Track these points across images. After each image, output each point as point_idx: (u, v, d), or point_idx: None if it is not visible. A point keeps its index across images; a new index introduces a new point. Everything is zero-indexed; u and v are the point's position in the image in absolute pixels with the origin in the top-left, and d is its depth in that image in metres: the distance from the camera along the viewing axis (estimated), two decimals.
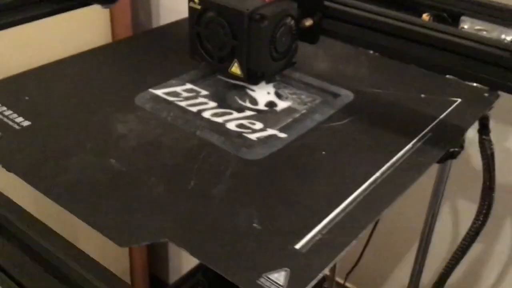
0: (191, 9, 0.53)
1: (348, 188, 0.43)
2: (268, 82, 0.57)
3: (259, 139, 0.49)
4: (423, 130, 0.52)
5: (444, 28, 0.55)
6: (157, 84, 0.57)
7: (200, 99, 0.55)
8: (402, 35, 0.52)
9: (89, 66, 0.60)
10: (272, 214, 0.40)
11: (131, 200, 0.41)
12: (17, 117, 0.49)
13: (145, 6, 1.23)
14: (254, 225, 0.39)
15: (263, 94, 0.57)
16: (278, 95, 0.56)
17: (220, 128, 0.50)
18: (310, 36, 0.55)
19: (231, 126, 0.51)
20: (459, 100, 0.58)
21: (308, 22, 0.54)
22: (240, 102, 0.55)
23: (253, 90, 0.57)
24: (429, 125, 0.53)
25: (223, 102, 0.54)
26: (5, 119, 0.49)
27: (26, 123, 0.49)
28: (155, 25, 1.13)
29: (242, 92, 0.57)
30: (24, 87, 0.55)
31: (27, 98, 0.53)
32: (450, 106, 0.56)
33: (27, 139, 0.47)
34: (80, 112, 0.51)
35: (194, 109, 0.53)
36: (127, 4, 1.19)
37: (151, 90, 0.56)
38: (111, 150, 0.46)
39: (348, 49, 0.69)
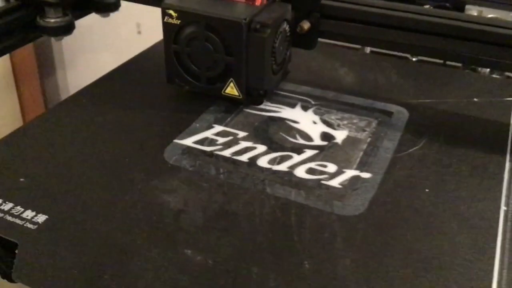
0: (167, 26, 0.44)
1: (487, 231, 0.35)
2: (268, 99, 0.49)
3: (344, 185, 0.40)
4: (507, 140, 0.45)
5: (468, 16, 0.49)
6: (179, 131, 0.45)
7: (243, 143, 0.44)
8: (419, 28, 0.46)
9: (79, 122, 0.46)
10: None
11: None
12: (24, 211, 0.36)
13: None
14: None
15: (309, 124, 0.47)
16: (327, 124, 0.47)
17: (290, 179, 0.40)
18: (306, 40, 0.48)
19: (301, 173, 0.41)
20: None
21: (307, 25, 0.47)
22: (291, 139, 0.45)
23: (295, 122, 0.47)
24: (508, 132, 0.46)
25: (272, 143, 0.44)
26: (9, 217, 0.35)
27: (42, 217, 0.35)
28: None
29: (284, 126, 0.47)
30: (8, 164, 0.41)
31: (22, 179, 0.39)
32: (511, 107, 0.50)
33: (53, 241, 0.33)
34: (104, 187, 0.38)
35: (244, 158, 0.42)
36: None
37: (177, 141, 0.44)
38: (177, 236, 0.34)
39: (354, 54, 0.61)
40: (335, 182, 0.40)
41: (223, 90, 0.46)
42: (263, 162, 0.42)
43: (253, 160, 0.42)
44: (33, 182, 0.38)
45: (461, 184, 0.40)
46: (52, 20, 0.55)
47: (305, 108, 0.49)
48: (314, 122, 0.47)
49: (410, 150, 0.44)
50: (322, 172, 0.41)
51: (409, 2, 0.67)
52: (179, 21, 0.44)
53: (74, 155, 0.42)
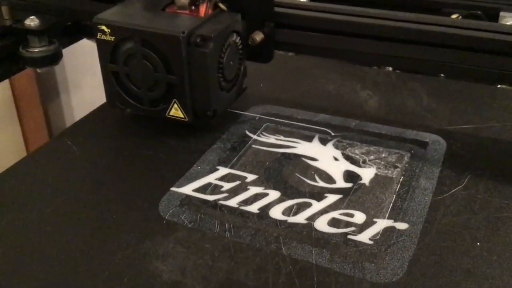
0: (100, 43, 0.39)
1: None
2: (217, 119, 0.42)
3: (375, 240, 0.32)
4: None
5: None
6: (178, 176, 0.38)
7: (252, 189, 0.37)
8: (389, 36, 0.40)
9: (61, 169, 0.40)
10: None
11: None
12: None
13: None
14: None
15: (330, 162, 0.40)
16: (351, 160, 0.40)
17: (309, 234, 0.33)
18: (261, 53, 0.43)
19: (322, 226, 0.34)
20: None
21: (259, 37, 0.41)
22: (309, 182, 0.38)
23: (314, 159, 0.40)
24: None
25: (287, 188, 0.37)
26: None
27: None
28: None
29: (300, 165, 0.40)
30: None
31: None
32: None
33: None
34: (86, 253, 0.32)
35: (254, 208, 0.35)
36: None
37: (174, 189, 0.37)
38: None
39: (376, 74, 0.54)
40: (364, 237, 0.33)
41: (167, 112, 0.41)
42: (276, 212, 0.35)
43: (264, 210, 0.35)
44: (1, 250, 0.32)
45: None
46: (36, 50, 0.50)
47: (324, 142, 0.42)
48: (336, 159, 0.40)
49: (453, 191, 0.36)
50: (348, 224, 0.34)
51: (434, 12, 0.60)
52: (113, 37, 0.39)
53: (51, 210, 0.35)
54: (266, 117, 0.46)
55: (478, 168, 0.39)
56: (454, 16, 0.57)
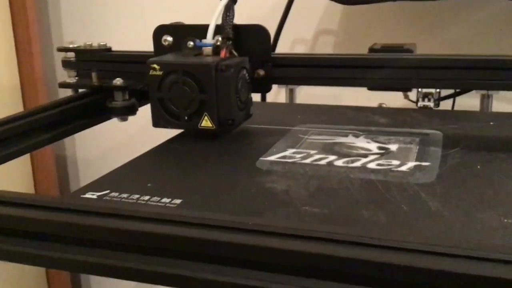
0: (151, 78, 0.55)
1: None
2: (234, 129, 0.59)
3: (411, 169, 0.48)
4: None
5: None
6: (262, 154, 0.54)
7: (316, 156, 0.53)
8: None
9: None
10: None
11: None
12: (161, 199, 0.43)
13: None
14: (506, 220, 0.38)
15: (365, 143, 0.56)
16: (380, 142, 0.57)
17: (366, 170, 0.49)
18: (262, 86, 0.61)
19: (373, 166, 0.50)
20: None
21: (262, 72, 0.60)
22: (354, 151, 0.54)
23: (353, 143, 0.57)
24: None
25: (340, 154, 0.53)
26: (153, 203, 0.42)
27: (179, 201, 0.43)
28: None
29: (345, 145, 0.56)
30: (133, 178, 0.48)
31: (149, 185, 0.47)
32: None
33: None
34: (225, 177, 0.46)
35: (323, 162, 0.51)
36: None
37: (263, 158, 0.53)
38: (291, 202, 0.42)
39: (380, 108, 0.72)
40: (403, 168, 0.49)
41: (199, 124, 0.56)
42: (339, 163, 0.51)
43: (330, 163, 0.51)
44: (158, 183, 0.46)
45: (504, 162, 0.49)
46: (119, 102, 0.65)
47: (356, 136, 0.59)
48: (368, 142, 0.57)
49: (455, 149, 0.53)
50: (389, 165, 0.50)
51: None
52: (162, 72, 0.55)
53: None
54: (310, 128, 0.63)
55: (470, 141, 0.56)
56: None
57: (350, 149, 0.55)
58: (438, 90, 0.78)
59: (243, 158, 0.53)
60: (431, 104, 0.78)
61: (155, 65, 0.55)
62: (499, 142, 0.55)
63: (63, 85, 0.67)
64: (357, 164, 0.50)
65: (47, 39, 1.36)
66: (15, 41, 1.20)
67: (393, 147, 0.55)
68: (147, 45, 0.65)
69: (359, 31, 1.14)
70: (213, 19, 0.57)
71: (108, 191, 0.45)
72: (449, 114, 0.68)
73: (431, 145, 0.55)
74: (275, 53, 0.61)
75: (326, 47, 1.21)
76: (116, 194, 0.44)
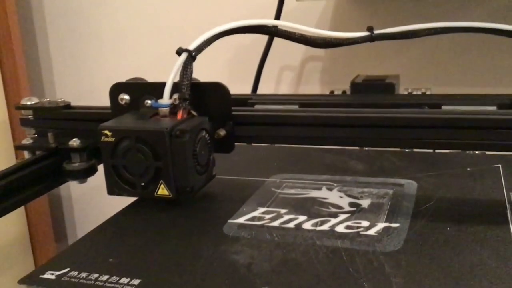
0: (104, 144, 0.52)
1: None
2: (194, 196, 0.55)
3: (379, 233, 0.47)
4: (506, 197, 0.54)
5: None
6: (230, 215, 0.53)
7: (286, 216, 0.52)
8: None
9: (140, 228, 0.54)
10: None
11: None
12: (120, 279, 0.42)
13: None
14: None
15: (337, 199, 0.56)
16: (352, 196, 0.56)
17: (333, 234, 0.48)
18: (224, 146, 0.57)
19: (341, 229, 0.49)
20: (500, 165, 0.62)
21: (222, 132, 0.55)
22: (325, 209, 0.53)
23: (325, 198, 0.56)
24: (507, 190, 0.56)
25: (310, 213, 0.52)
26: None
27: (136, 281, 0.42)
28: None
29: (316, 202, 0.55)
30: (94, 251, 0.48)
31: (111, 259, 0.46)
32: (500, 172, 0.60)
33: None
34: (181, 254, 0.45)
35: (291, 225, 0.50)
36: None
37: (230, 221, 0.52)
38: (253, 279, 0.41)
39: (359, 152, 0.71)
40: (371, 232, 0.48)
41: (155, 192, 0.52)
42: (307, 226, 0.50)
43: (299, 225, 0.50)
44: (120, 261, 0.45)
45: (474, 223, 0.48)
46: (77, 164, 0.61)
47: (330, 189, 0.58)
48: (341, 197, 0.56)
49: (427, 205, 0.52)
50: (358, 227, 0.49)
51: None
52: (114, 138, 0.52)
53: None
54: (284, 180, 0.62)
55: (443, 193, 0.55)
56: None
57: (321, 207, 0.54)
58: None
59: (211, 221, 0.52)
60: None
61: (106, 131, 0.52)
62: (471, 197, 0.54)
63: (19, 147, 0.64)
64: (326, 226, 0.49)
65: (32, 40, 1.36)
66: None
67: (365, 202, 0.54)
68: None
69: (345, 57, 1.14)
70: (170, 78, 0.54)
71: (67, 270, 0.44)
72: (428, 158, 0.67)
73: (404, 199, 0.54)
74: (237, 109, 0.57)
75: (313, 74, 1.20)
76: (75, 273, 0.43)
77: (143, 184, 0.52)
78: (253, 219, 0.52)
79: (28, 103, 0.65)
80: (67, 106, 0.65)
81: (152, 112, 0.55)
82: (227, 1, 1.18)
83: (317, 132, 0.55)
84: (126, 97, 0.58)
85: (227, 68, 1.22)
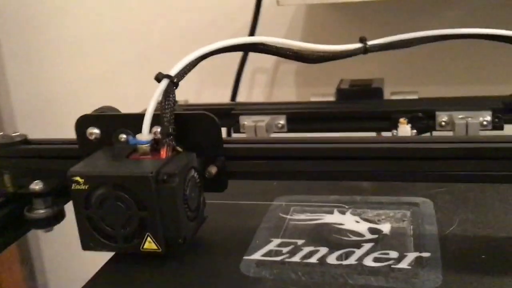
0: (76, 193, 0.44)
1: None
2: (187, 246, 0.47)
3: (412, 266, 0.44)
4: None
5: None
6: (244, 250, 0.48)
7: (305, 249, 0.48)
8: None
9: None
10: None
11: None
12: None
13: None
14: None
15: (353, 224, 0.52)
16: (369, 221, 0.52)
17: (363, 269, 0.44)
18: (216, 184, 0.49)
19: (370, 262, 0.45)
20: None
21: (214, 169, 0.47)
22: (345, 238, 0.49)
23: (341, 224, 0.52)
24: None
25: (330, 244, 0.48)
26: None
27: None
28: None
29: (333, 229, 0.51)
30: None
31: None
32: None
33: None
34: None
35: (314, 259, 0.46)
36: None
37: (246, 257, 0.47)
38: None
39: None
40: (404, 264, 0.44)
41: (141, 246, 0.44)
42: (332, 259, 0.46)
43: (322, 260, 0.46)
44: None
45: (506, 247, 0.46)
46: (42, 211, 0.52)
47: (342, 213, 0.54)
48: (357, 222, 0.52)
49: (451, 228, 0.49)
50: (388, 259, 0.45)
51: (386, 120, 0.77)
52: (87, 185, 0.43)
53: None
54: (290, 203, 0.58)
55: (460, 212, 0.52)
56: (401, 119, 0.74)
57: (340, 235, 0.50)
58: (414, 132, 0.74)
59: (224, 259, 0.47)
60: None
61: (77, 178, 0.43)
62: (492, 215, 0.52)
63: None
64: (352, 260, 0.45)
65: None
66: None
67: (385, 228, 0.51)
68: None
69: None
70: (149, 109, 0.45)
71: None
72: None
73: (424, 222, 0.51)
74: (228, 141, 0.49)
75: (287, 76, 1.16)
76: None
77: (125, 237, 0.44)
78: (270, 253, 0.48)
79: None
80: (24, 140, 0.54)
81: (129, 149, 0.46)
82: (198, 5, 1.12)
83: (325, 166, 0.48)
84: (96, 131, 0.49)
85: (198, 71, 1.16)
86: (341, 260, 0.46)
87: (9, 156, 0.53)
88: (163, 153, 0.45)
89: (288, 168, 0.49)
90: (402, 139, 0.52)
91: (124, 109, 0.54)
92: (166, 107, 0.46)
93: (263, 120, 0.78)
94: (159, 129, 0.46)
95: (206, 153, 0.48)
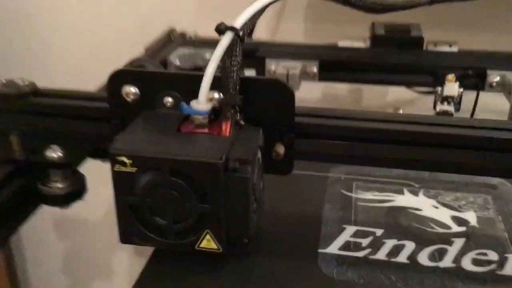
0: (118, 175, 0.34)
1: None
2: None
3: None
4: None
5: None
6: (314, 239, 0.42)
7: (388, 242, 0.41)
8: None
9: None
10: None
11: None
12: None
13: None
14: None
15: (432, 209, 0.46)
16: (449, 207, 0.46)
17: (465, 275, 0.38)
18: (281, 165, 0.39)
19: (469, 265, 0.39)
20: None
21: (282, 149, 0.38)
22: (429, 230, 0.43)
23: (418, 209, 0.46)
24: None
25: (415, 237, 0.42)
26: None
27: None
28: None
29: (411, 215, 0.45)
30: None
31: None
32: None
33: None
34: None
35: (403, 258, 0.40)
36: None
37: (322, 250, 0.40)
38: None
39: None
40: (508, 270, 0.38)
41: (197, 245, 0.36)
42: (423, 259, 0.40)
43: (413, 259, 0.40)
44: None
45: None
46: (60, 186, 0.43)
47: (414, 193, 0.48)
48: (436, 208, 0.46)
49: None
50: (488, 262, 0.39)
51: (432, 75, 0.69)
52: (135, 168, 0.34)
53: None
54: (349, 176, 0.50)
55: None
56: (450, 76, 0.67)
57: (421, 225, 0.44)
58: (460, 91, 0.67)
59: (297, 254, 0.40)
60: (451, 108, 0.68)
61: (124, 159, 0.34)
62: None
63: None
64: (448, 261, 0.39)
65: None
66: None
67: (471, 217, 0.45)
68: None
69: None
70: (209, 70, 0.36)
71: None
72: None
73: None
74: (300, 117, 0.38)
75: (297, 10, 1.06)
76: None
77: (178, 232, 0.35)
78: (348, 246, 0.41)
79: None
80: (35, 91, 0.42)
81: (178, 118, 0.37)
82: None
83: (419, 154, 0.38)
84: (135, 90, 0.39)
85: None
86: (435, 261, 0.39)
87: (17, 111, 0.42)
88: (226, 128, 0.36)
89: (374, 152, 0.39)
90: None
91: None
92: (231, 68, 0.36)
93: (295, 67, 0.69)
94: (215, 95, 0.36)
95: (273, 128, 0.38)
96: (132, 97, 0.39)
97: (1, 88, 0.42)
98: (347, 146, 0.39)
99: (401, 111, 0.69)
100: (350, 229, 0.43)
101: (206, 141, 0.35)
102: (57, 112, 0.42)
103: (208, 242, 0.35)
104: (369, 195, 0.48)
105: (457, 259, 0.40)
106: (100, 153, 0.41)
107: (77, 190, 0.43)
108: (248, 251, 0.39)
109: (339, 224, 0.43)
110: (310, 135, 0.39)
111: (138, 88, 0.38)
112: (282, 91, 0.38)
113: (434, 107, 0.68)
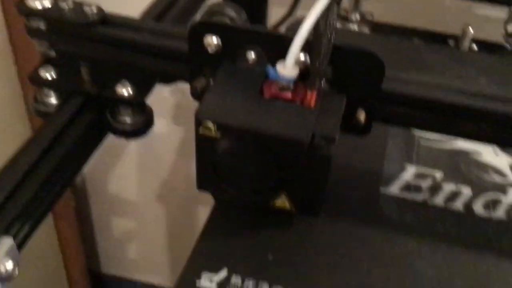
0: (202, 138, 0.35)
1: None
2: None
3: None
4: None
5: None
6: (376, 176, 0.45)
7: (446, 187, 0.45)
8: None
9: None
10: None
11: None
12: None
13: None
14: None
15: (493, 156, 0.48)
16: (508, 154, 0.48)
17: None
18: (359, 129, 0.39)
19: None
20: None
21: (363, 116, 0.38)
22: (487, 177, 0.46)
23: (478, 153, 0.48)
24: None
25: (472, 183, 0.45)
26: None
27: None
28: None
29: (471, 160, 0.47)
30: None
31: (270, 258, 0.38)
32: None
33: None
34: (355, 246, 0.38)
35: (458, 205, 0.43)
36: None
37: (383, 189, 0.44)
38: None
39: None
40: None
41: (271, 203, 0.38)
42: (478, 208, 0.43)
43: (468, 206, 0.43)
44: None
45: None
46: (130, 122, 0.43)
47: None
48: (496, 154, 0.48)
49: None
50: None
51: None
52: (219, 135, 0.34)
53: None
54: None
55: None
56: None
57: (480, 171, 0.46)
58: None
59: (361, 190, 0.44)
60: None
61: (209, 124, 0.35)
62: None
63: (34, 80, 0.42)
64: (501, 212, 0.43)
65: None
66: None
67: None
68: None
69: None
70: (303, 29, 0.33)
71: (225, 273, 0.37)
72: None
73: None
74: (386, 84, 0.36)
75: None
76: (237, 280, 0.36)
77: (254, 190, 0.37)
78: (409, 187, 0.44)
79: (39, 6, 0.39)
80: (104, 19, 0.40)
81: (260, 75, 0.36)
82: None
83: None
84: (217, 41, 0.37)
85: None
86: (489, 210, 0.43)
87: (88, 40, 0.40)
88: (312, 99, 0.34)
89: (458, 125, 0.37)
90: None
91: None
92: (327, 31, 0.33)
93: None
94: (302, 57, 0.35)
95: (357, 96, 0.37)
96: (214, 48, 0.37)
97: (68, 14, 0.40)
98: (430, 117, 0.38)
99: (470, 29, 0.67)
100: (410, 170, 0.46)
101: (292, 112, 0.34)
102: (129, 45, 0.40)
103: (283, 203, 0.37)
104: (432, 134, 0.50)
105: (510, 211, 0.43)
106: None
107: (145, 124, 0.44)
108: (318, 212, 0.39)
109: (401, 163, 0.46)
110: (394, 103, 0.38)
111: (220, 39, 0.37)
112: (374, 65, 0.36)
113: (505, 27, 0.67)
